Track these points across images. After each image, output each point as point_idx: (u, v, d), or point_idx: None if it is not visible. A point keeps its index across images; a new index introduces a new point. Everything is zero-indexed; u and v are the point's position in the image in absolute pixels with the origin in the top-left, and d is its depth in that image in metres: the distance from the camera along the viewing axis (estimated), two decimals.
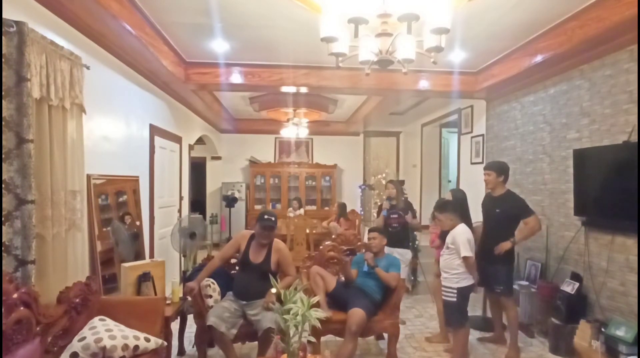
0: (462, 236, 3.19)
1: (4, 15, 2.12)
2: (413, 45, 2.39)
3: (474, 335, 3.84)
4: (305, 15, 3.22)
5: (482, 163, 5.43)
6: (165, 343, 2.64)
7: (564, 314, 3.53)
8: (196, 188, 8.54)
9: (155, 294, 3.23)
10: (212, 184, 9.31)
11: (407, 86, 4.91)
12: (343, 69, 3.91)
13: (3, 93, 2.12)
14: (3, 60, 2.12)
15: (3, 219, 2.14)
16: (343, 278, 3.60)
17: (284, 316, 2.05)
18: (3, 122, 2.12)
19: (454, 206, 3.47)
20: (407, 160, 9.38)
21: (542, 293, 3.91)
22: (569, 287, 3.57)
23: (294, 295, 2.12)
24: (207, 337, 3.16)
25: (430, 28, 2.30)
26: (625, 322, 3.13)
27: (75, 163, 2.72)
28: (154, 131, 4.65)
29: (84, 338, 2.25)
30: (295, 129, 7.31)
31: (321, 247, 3.87)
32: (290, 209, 7.78)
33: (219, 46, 4.10)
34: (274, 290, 2.93)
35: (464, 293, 3.23)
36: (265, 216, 3.26)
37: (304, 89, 5.08)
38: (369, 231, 3.75)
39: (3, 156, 2.13)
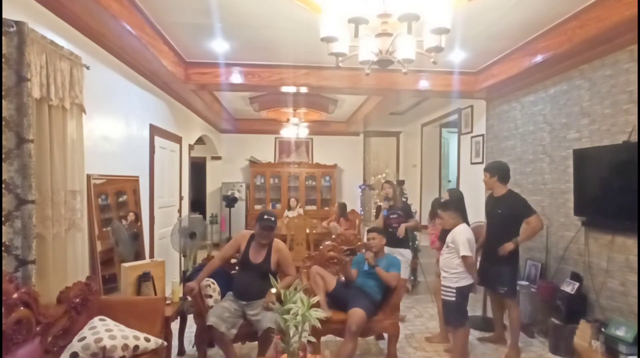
0: (462, 236, 3.20)
1: (4, 15, 2.12)
2: (413, 45, 2.39)
3: (474, 335, 3.84)
4: (305, 15, 3.22)
5: (482, 163, 5.43)
6: (165, 343, 2.64)
7: (564, 314, 3.53)
8: (196, 188, 8.54)
9: (155, 294, 3.23)
10: (212, 184, 9.31)
11: (407, 86, 4.91)
12: (343, 69, 3.92)
13: (3, 93, 2.12)
14: (3, 60, 2.12)
15: (3, 219, 2.14)
16: (343, 278, 3.60)
17: (284, 316, 2.05)
18: (3, 122, 2.12)
19: (457, 205, 3.47)
20: (407, 160, 9.38)
21: (542, 293, 3.91)
22: (569, 287, 3.58)
23: (294, 295, 2.12)
24: (207, 336, 3.16)
25: (430, 28, 2.30)
26: (625, 322, 3.13)
27: (75, 163, 2.72)
28: (154, 131, 4.65)
29: (84, 338, 2.25)
30: (295, 129, 7.31)
31: (321, 247, 3.87)
32: (286, 211, 7.78)
33: (219, 46, 4.10)
34: (274, 290, 2.93)
35: (462, 293, 3.23)
36: (265, 216, 3.26)
37: (304, 89, 5.08)
38: (369, 231, 3.75)
39: (3, 156, 2.13)
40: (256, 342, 3.07)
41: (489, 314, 4.14)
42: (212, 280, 3.30)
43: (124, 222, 3.75)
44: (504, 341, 3.76)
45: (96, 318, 2.45)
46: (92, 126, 3.19)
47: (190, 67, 4.63)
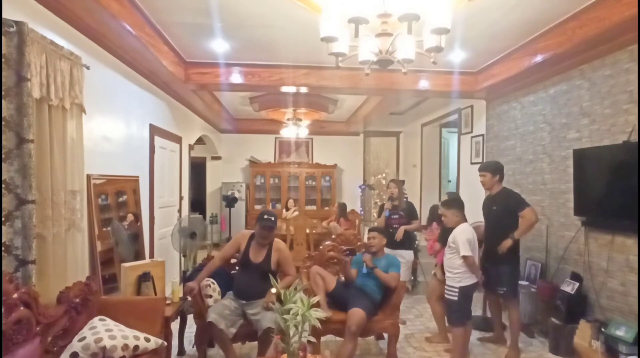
0: (462, 236, 3.21)
1: (4, 15, 2.12)
2: (413, 45, 2.39)
3: (474, 335, 3.84)
4: (305, 15, 3.22)
5: (482, 163, 5.42)
6: (165, 343, 2.64)
7: (564, 314, 3.53)
8: (196, 188, 8.55)
9: (155, 294, 3.23)
10: (212, 184, 9.31)
11: (407, 86, 4.91)
12: (343, 69, 3.93)
13: (3, 93, 2.12)
14: (3, 60, 2.12)
15: (3, 219, 2.14)
16: (343, 278, 3.60)
17: (284, 316, 2.05)
18: (3, 122, 2.12)
19: (460, 204, 3.47)
20: (407, 160, 9.38)
21: (542, 293, 3.91)
22: (569, 287, 3.58)
23: (294, 295, 2.12)
24: (207, 336, 3.17)
25: (430, 28, 2.30)
26: (625, 322, 3.13)
27: (75, 163, 2.72)
28: (154, 131, 4.65)
29: (84, 338, 2.25)
30: (295, 129, 7.31)
31: (321, 247, 3.88)
32: (284, 211, 7.78)
33: (219, 46, 4.10)
34: (274, 290, 2.94)
35: (465, 293, 3.23)
36: (265, 216, 3.26)
37: (304, 89, 5.08)
38: (369, 231, 3.75)
39: (3, 156, 2.13)
40: (256, 342, 3.07)
41: (489, 314, 4.14)
42: (212, 280, 3.30)
43: (124, 222, 3.75)
44: (504, 341, 3.76)
45: (96, 318, 2.45)
46: (92, 126, 3.19)
47: (190, 67, 4.63)
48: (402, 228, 4.32)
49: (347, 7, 2.34)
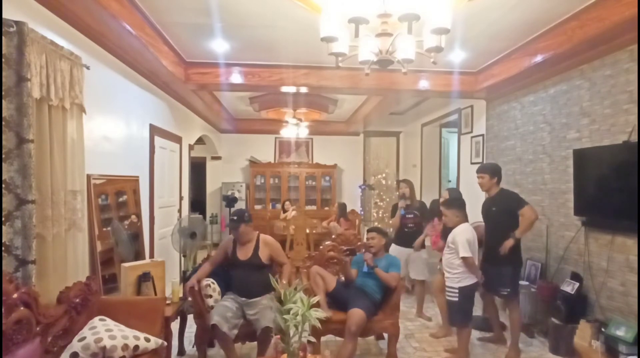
0: (461, 237, 3.20)
1: (4, 15, 2.12)
2: (413, 45, 2.39)
3: (473, 335, 3.84)
4: (305, 15, 3.22)
5: (482, 163, 5.43)
6: (165, 343, 2.64)
7: (564, 314, 3.53)
8: (196, 188, 8.54)
9: (155, 294, 3.23)
10: (212, 184, 9.30)
11: (407, 86, 4.91)
12: (343, 69, 3.93)
13: (3, 93, 2.12)
14: (3, 60, 2.12)
15: (3, 219, 2.14)
16: (343, 278, 3.60)
17: (284, 316, 2.05)
18: (3, 122, 2.12)
19: (461, 204, 3.47)
20: (407, 160, 9.38)
21: (542, 293, 3.91)
22: (569, 287, 3.57)
23: (294, 295, 2.12)
24: (207, 336, 3.17)
25: (430, 28, 2.30)
26: (625, 322, 3.13)
27: (75, 163, 2.72)
28: (154, 131, 4.65)
29: (84, 338, 2.25)
30: (295, 129, 7.31)
31: (321, 247, 3.88)
32: (282, 213, 7.76)
33: (219, 46, 4.10)
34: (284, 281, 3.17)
35: (465, 293, 3.23)
36: (230, 218, 3.45)
37: (304, 89, 5.07)
38: (368, 231, 3.76)
39: (3, 156, 2.13)
40: (256, 342, 3.08)
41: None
42: (211, 280, 3.31)
43: (125, 222, 3.75)
44: (504, 341, 3.76)
45: (96, 318, 2.45)
46: (92, 126, 3.19)
47: (190, 67, 4.63)
48: (420, 240, 4.47)
49: (347, 7, 2.34)
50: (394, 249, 4.38)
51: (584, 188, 3.66)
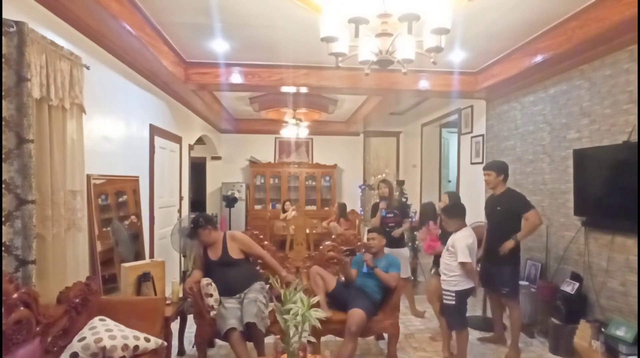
0: (461, 242, 3.18)
1: (4, 15, 2.12)
2: (413, 45, 2.39)
3: (473, 335, 3.84)
4: (305, 15, 3.22)
5: (482, 163, 5.43)
6: (165, 343, 2.64)
7: (564, 314, 3.53)
8: (196, 188, 8.54)
9: (155, 294, 3.23)
10: (212, 184, 9.31)
11: (407, 86, 4.91)
12: (343, 69, 3.92)
13: (3, 93, 2.12)
14: (3, 60, 2.12)
15: (3, 219, 2.14)
16: (343, 278, 3.60)
17: (284, 316, 2.05)
18: (3, 122, 2.12)
19: (461, 211, 3.44)
20: (407, 160, 9.38)
21: (542, 293, 3.91)
22: (569, 287, 3.57)
23: (294, 295, 2.12)
24: (208, 336, 3.17)
25: (430, 28, 2.29)
26: (625, 322, 3.13)
27: (75, 163, 2.72)
28: (154, 131, 4.65)
29: (84, 338, 2.25)
30: (295, 129, 7.31)
31: (321, 247, 3.87)
32: (281, 213, 7.76)
33: (219, 46, 4.10)
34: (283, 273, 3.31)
35: (462, 297, 3.22)
36: (190, 225, 3.55)
37: (304, 89, 5.07)
38: (368, 231, 3.75)
39: (3, 156, 2.14)
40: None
41: (489, 314, 4.14)
42: (211, 279, 3.30)
43: (125, 222, 3.75)
44: (504, 341, 3.76)
45: (96, 318, 2.45)
46: (92, 126, 3.19)
47: (190, 67, 4.63)
48: (398, 230, 4.47)
49: (347, 7, 2.34)
50: None
51: (584, 188, 3.66)
